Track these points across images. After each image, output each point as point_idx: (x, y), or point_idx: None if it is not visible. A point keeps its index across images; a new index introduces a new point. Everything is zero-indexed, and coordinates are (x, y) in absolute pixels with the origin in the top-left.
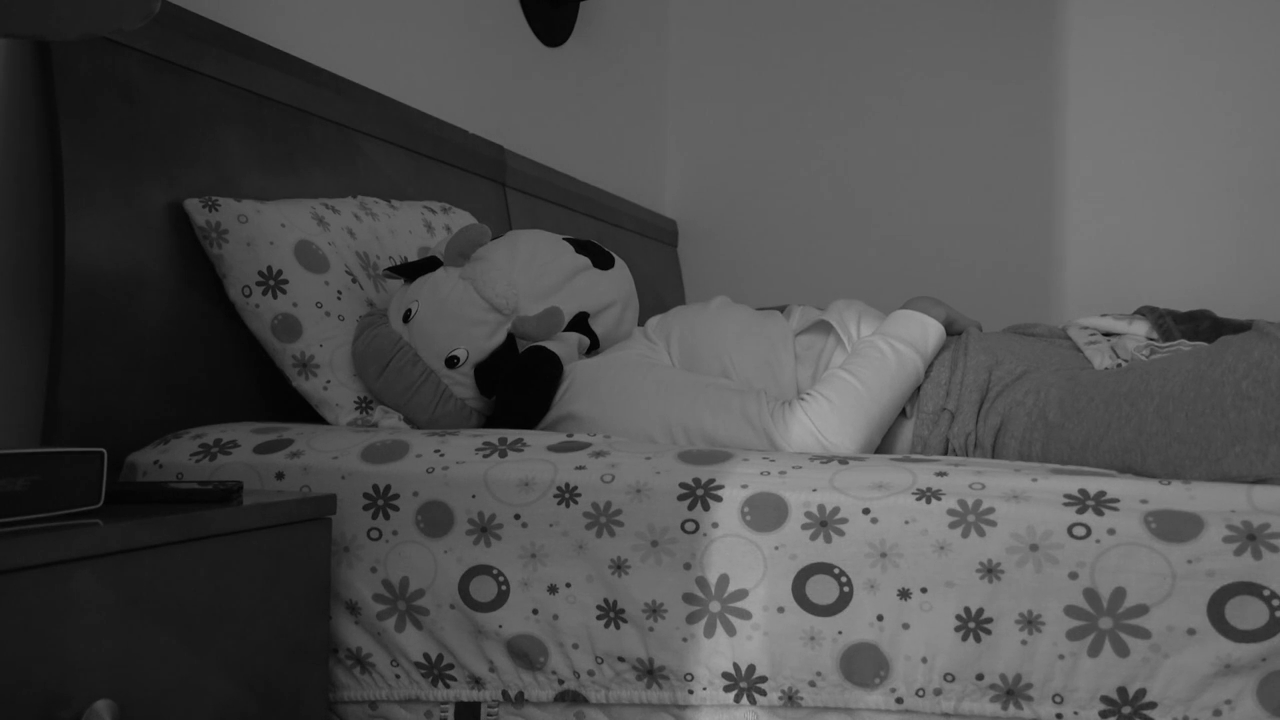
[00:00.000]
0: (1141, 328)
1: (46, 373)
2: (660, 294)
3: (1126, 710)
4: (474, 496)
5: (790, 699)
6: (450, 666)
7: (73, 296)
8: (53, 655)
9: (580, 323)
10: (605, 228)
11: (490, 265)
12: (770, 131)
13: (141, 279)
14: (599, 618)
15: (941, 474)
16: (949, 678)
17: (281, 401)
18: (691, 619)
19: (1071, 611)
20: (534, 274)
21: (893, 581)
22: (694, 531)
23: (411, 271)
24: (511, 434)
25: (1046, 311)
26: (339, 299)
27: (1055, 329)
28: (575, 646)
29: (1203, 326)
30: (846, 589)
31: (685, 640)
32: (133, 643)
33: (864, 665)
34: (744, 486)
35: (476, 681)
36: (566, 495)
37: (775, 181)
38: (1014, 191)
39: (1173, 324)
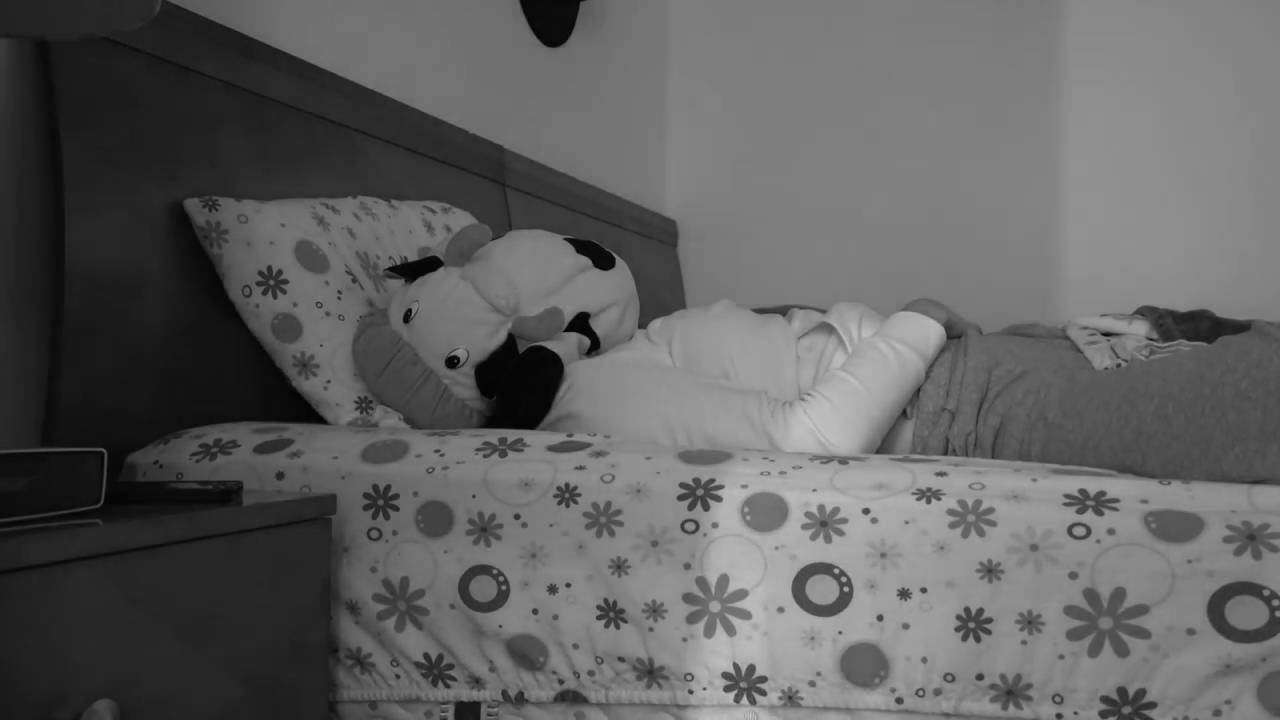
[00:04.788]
0: (1141, 328)
1: (46, 373)
2: (660, 294)
3: (1126, 710)
4: (474, 496)
5: (790, 699)
6: (450, 666)
7: (73, 296)
8: (53, 655)
9: (581, 323)
10: (605, 228)
11: (491, 265)
12: (771, 131)
13: (141, 279)
14: (599, 618)
15: (941, 474)
16: (949, 678)
17: (281, 401)
18: (691, 619)
19: (1071, 611)
20: (534, 274)
21: (893, 581)
22: (694, 531)
23: (412, 271)
24: (511, 434)
25: (1046, 311)
26: (339, 299)
27: (1055, 329)
28: (575, 646)
29: (1202, 326)
30: (846, 589)
31: (685, 640)
32: (133, 643)
33: (864, 665)
34: (744, 486)
35: (476, 681)
36: (566, 495)
37: (776, 182)
38: (1014, 192)
39: (1172, 324)
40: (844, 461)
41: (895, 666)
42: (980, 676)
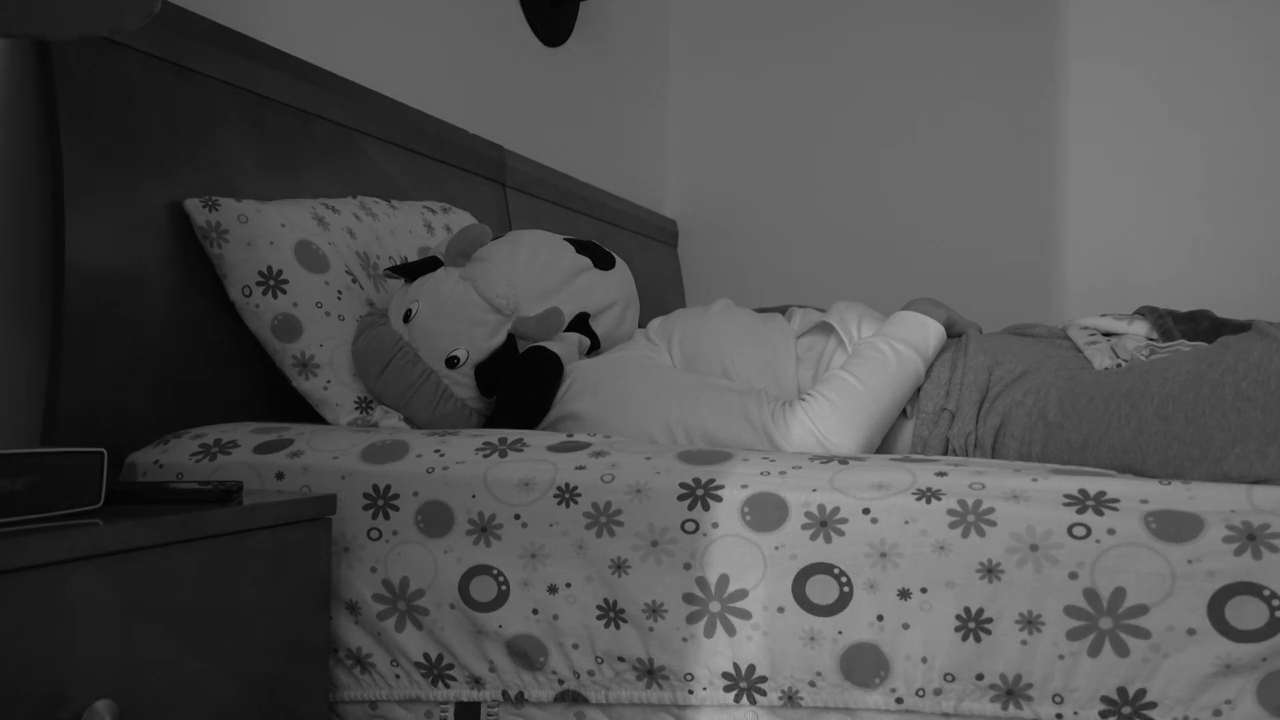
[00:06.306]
0: (1141, 328)
1: (46, 373)
2: (660, 294)
3: (1126, 710)
4: (474, 496)
5: (790, 699)
6: (450, 666)
7: (73, 296)
8: (53, 655)
9: (581, 323)
10: (605, 228)
11: (491, 265)
12: (770, 131)
13: (141, 279)
14: (599, 618)
15: (941, 474)
16: (949, 678)
17: (281, 401)
18: (691, 619)
19: (1071, 611)
20: (535, 274)
21: (893, 581)
22: (694, 531)
23: (412, 271)
24: (511, 434)
25: (1046, 311)
26: (339, 299)
27: (1055, 329)
28: (575, 646)
29: (1203, 326)
30: (846, 589)
31: (685, 640)
32: (133, 643)
33: (864, 665)
34: (744, 486)
35: (476, 681)
36: (566, 495)
37: (775, 181)
38: (1014, 192)
39: (1173, 324)
40: (844, 461)
41: (895, 666)
42: (980, 676)
